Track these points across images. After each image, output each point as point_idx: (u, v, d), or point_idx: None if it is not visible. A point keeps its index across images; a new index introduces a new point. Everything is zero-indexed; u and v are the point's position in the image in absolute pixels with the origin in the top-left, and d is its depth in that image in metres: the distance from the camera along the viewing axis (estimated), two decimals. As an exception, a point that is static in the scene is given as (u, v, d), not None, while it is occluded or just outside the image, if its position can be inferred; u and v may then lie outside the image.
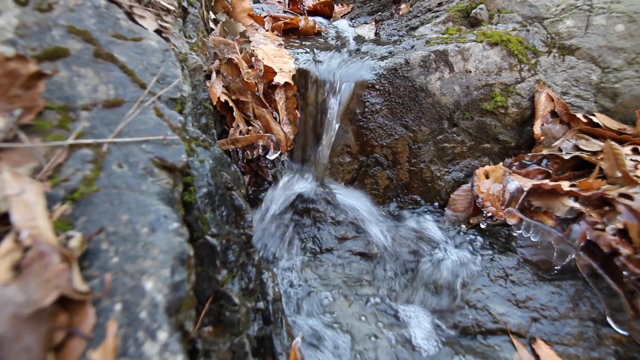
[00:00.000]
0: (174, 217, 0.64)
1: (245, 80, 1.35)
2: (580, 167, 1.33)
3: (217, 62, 1.40)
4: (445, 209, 1.46)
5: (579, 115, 1.39)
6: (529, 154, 1.42)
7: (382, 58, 1.49)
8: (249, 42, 1.59)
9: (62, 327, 0.49)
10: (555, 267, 1.20)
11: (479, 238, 1.34)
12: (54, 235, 0.55)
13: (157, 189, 0.66)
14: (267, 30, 1.76)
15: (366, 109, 1.43)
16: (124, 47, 0.83)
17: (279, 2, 2.40)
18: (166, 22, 1.03)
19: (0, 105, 0.64)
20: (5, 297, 0.46)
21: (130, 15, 0.93)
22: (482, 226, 1.35)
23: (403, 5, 2.14)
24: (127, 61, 0.81)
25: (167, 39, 1.00)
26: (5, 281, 0.48)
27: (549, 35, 1.52)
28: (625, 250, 1.06)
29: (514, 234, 1.28)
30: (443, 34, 1.60)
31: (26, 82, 0.67)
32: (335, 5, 2.49)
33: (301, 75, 1.46)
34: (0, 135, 0.61)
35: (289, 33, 1.86)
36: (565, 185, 1.22)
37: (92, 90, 0.74)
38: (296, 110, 1.47)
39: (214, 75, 1.34)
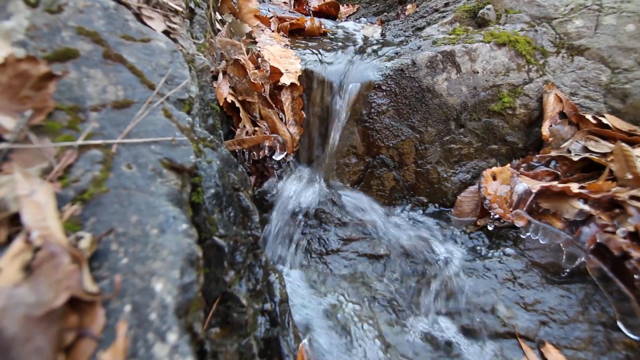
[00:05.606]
0: (183, 218, 0.64)
1: (252, 81, 1.35)
2: (590, 168, 1.31)
3: (223, 62, 1.40)
4: (452, 210, 1.45)
5: (588, 117, 1.37)
6: (537, 156, 1.40)
7: (389, 59, 1.48)
8: (255, 43, 1.59)
9: (72, 328, 0.49)
10: (565, 270, 1.18)
11: (486, 240, 1.33)
12: (64, 236, 0.55)
13: (166, 189, 0.66)
14: (273, 31, 1.76)
15: (372, 110, 1.42)
16: (133, 48, 0.84)
17: (285, 2, 2.40)
18: (174, 23, 1.03)
19: (11, 106, 0.64)
20: (17, 298, 0.47)
21: (138, 17, 0.93)
22: (490, 228, 1.33)
23: (409, 6, 2.13)
24: (136, 62, 0.82)
25: (175, 40, 1.00)
26: (17, 282, 0.48)
27: (557, 36, 1.51)
28: (636, 254, 1.05)
29: (522, 236, 1.27)
30: (450, 35, 1.59)
31: (37, 83, 0.67)
32: (340, 5, 2.49)
33: (307, 76, 1.46)
34: (12, 136, 0.61)
35: (295, 34, 1.86)
36: (574, 187, 1.21)
37: (101, 91, 0.74)
38: (302, 111, 1.47)
39: (220, 76, 1.34)
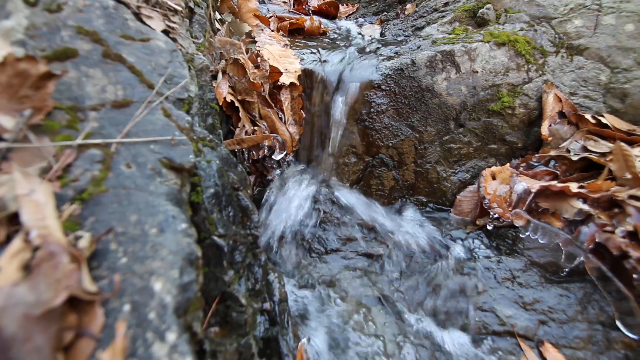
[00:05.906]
0: (182, 217, 0.64)
1: (251, 80, 1.35)
2: (589, 168, 1.31)
3: (223, 62, 1.40)
4: (451, 210, 1.45)
5: (588, 116, 1.37)
6: (537, 155, 1.41)
7: (388, 58, 1.48)
8: (255, 42, 1.59)
9: (71, 328, 0.49)
10: (564, 270, 1.18)
11: (486, 240, 1.33)
12: (63, 235, 0.55)
13: (166, 189, 0.66)
14: (272, 31, 1.76)
15: (372, 110, 1.42)
16: (132, 48, 0.84)
17: (284, 2, 2.40)
18: (173, 22, 1.03)
19: (10, 105, 0.64)
20: (16, 297, 0.47)
21: (138, 16, 0.93)
22: (489, 228, 1.34)
23: (409, 5, 2.13)
24: (136, 61, 0.81)
25: (174, 40, 1.00)
26: (16, 281, 0.48)
27: (557, 35, 1.51)
28: (635, 253, 1.05)
29: (521, 236, 1.27)
30: (449, 34, 1.59)
31: (36, 82, 0.67)
32: (340, 5, 2.49)
33: (307, 76, 1.45)
34: (11, 135, 0.61)
35: (295, 33, 1.86)
36: (573, 187, 1.21)
37: (100, 90, 0.74)
38: (302, 111, 1.46)
39: (220, 75, 1.34)
